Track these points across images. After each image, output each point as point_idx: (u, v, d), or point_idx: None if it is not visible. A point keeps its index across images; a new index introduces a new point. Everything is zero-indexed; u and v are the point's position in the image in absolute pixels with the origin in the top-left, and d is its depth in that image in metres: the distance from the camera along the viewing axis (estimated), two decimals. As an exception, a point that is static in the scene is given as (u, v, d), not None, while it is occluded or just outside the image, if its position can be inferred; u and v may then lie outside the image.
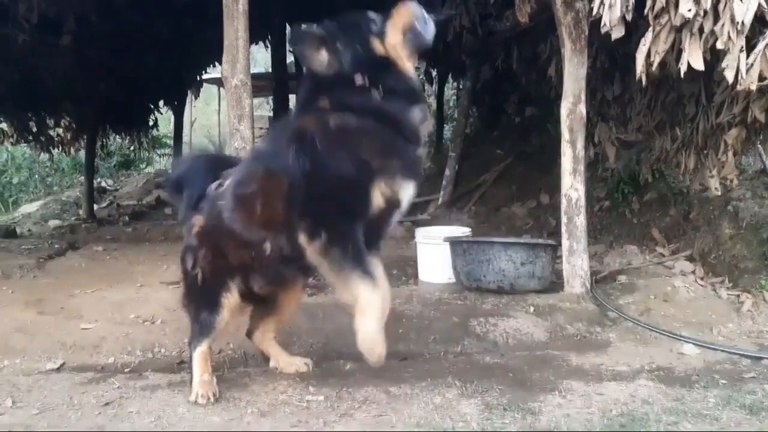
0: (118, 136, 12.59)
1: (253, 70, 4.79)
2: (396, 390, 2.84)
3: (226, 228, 2.68)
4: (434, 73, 12.63)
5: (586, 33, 4.34)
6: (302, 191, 2.44)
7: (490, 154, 9.53)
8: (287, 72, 11.59)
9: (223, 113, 14.13)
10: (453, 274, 4.81)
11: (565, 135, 4.40)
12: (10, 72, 7.77)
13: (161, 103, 11.99)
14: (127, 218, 10.32)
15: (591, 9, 3.77)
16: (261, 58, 16.30)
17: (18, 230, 9.24)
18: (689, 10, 3.31)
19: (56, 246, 7.00)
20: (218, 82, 12.52)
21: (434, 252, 4.84)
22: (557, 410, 2.63)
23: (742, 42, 3.31)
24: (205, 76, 12.98)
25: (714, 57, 3.55)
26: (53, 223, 10.23)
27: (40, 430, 2.48)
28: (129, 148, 14.01)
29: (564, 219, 4.46)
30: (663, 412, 2.60)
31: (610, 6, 3.54)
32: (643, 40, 3.60)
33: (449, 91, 13.72)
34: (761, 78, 3.39)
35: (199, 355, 2.82)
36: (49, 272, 5.47)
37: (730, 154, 4.61)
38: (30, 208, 11.81)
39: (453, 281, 4.83)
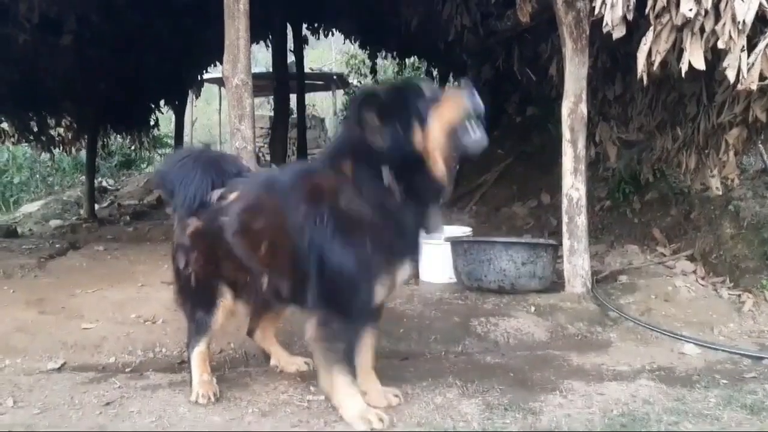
0: (119, 135, 12.63)
1: (254, 69, 4.78)
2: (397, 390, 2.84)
3: (225, 244, 2.68)
4: (435, 73, 12.66)
5: (588, 32, 4.34)
6: (307, 263, 2.45)
7: (491, 153, 9.51)
8: (288, 72, 11.60)
9: (224, 113, 14.14)
10: (454, 274, 4.81)
11: (566, 134, 4.40)
12: (11, 72, 7.78)
13: (162, 102, 12.02)
14: (128, 218, 10.34)
15: (592, 8, 3.76)
16: (262, 58, 16.31)
17: (19, 230, 9.26)
18: (690, 10, 3.31)
19: (57, 246, 7.00)
20: (219, 82, 12.55)
21: (435, 252, 4.84)
22: (558, 410, 2.63)
23: (743, 41, 3.31)
24: (206, 76, 13.01)
25: (715, 56, 3.54)
26: (54, 222, 10.24)
27: (42, 430, 2.48)
28: (130, 147, 14.06)
29: (565, 219, 4.46)
30: (664, 412, 2.60)
31: (612, 5, 3.54)
32: (644, 39, 3.60)
33: (450, 90, 13.71)
34: (762, 77, 3.39)
35: (197, 355, 2.83)
36: (50, 272, 5.47)
37: (731, 153, 4.60)
38: (31, 207, 11.83)
39: (454, 281, 4.83)
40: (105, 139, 12.30)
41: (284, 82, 11.20)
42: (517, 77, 7.73)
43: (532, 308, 4.16)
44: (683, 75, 3.56)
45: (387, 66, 15.87)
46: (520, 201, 8.18)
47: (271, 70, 12.16)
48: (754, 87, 3.43)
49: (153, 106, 11.84)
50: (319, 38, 12.12)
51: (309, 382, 2.91)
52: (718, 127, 4.63)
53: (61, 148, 10.93)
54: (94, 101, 9.73)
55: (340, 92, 18.60)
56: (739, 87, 3.46)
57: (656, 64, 3.59)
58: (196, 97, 14.68)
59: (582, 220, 4.40)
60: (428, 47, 9.62)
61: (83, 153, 11.61)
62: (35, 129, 9.99)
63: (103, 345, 3.55)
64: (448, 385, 2.93)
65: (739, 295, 4.42)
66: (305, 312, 2.59)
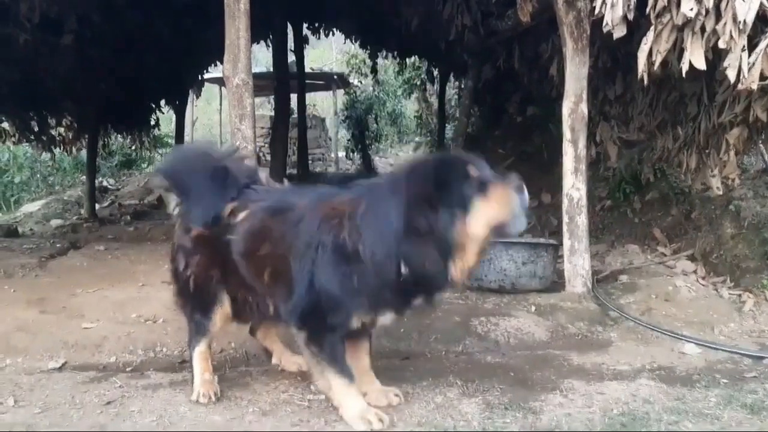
0: (119, 135, 12.63)
1: (255, 69, 4.79)
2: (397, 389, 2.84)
3: (231, 260, 2.66)
4: (436, 72, 12.65)
5: (588, 32, 4.34)
6: (301, 284, 2.44)
7: (492, 153, 9.51)
8: (288, 71, 11.59)
9: (225, 112, 14.11)
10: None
11: (567, 134, 4.40)
12: (12, 72, 7.77)
13: (162, 102, 12.02)
14: (128, 217, 10.33)
15: (593, 8, 3.77)
16: (262, 58, 16.32)
17: (20, 229, 9.26)
18: (691, 9, 3.31)
19: (58, 245, 7.01)
20: (220, 82, 12.55)
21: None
22: (558, 409, 2.63)
23: (744, 41, 3.31)
24: (206, 76, 13.02)
25: (716, 56, 3.55)
26: (55, 222, 10.24)
27: (42, 430, 2.48)
28: (130, 147, 14.06)
29: (565, 218, 4.46)
30: (664, 411, 2.60)
31: (612, 5, 3.54)
32: (644, 39, 3.60)
33: (451, 90, 13.73)
34: (763, 77, 3.39)
35: (198, 355, 2.83)
36: (51, 271, 5.48)
37: (732, 153, 4.60)
38: (32, 207, 11.82)
39: (454, 281, 4.82)
40: (105, 139, 12.31)
41: (285, 82, 11.19)
42: (518, 77, 7.73)
43: (533, 308, 4.16)
44: (684, 75, 3.56)
45: (387, 66, 15.88)
46: (521, 201, 8.16)
47: (271, 69, 12.16)
48: (754, 87, 3.43)
49: (153, 105, 11.84)
50: (319, 38, 12.13)
51: (309, 382, 2.91)
52: (719, 126, 4.64)
53: (62, 147, 10.93)
54: (94, 101, 9.73)
55: (340, 92, 18.60)
56: (740, 87, 3.46)
57: (657, 64, 3.60)
58: (197, 97, 14.69)
59: (582, 220, 4.40)
60: (429, 47, 9.62)
61: (84, 153, 11.61)
62: (36, 129, 9.99)
63: (104, 344, 3.56)
64: (448, 384, 2.93)
65: (740, 295, 4.43)
66: (294, 325, 2.58)
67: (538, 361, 3.37)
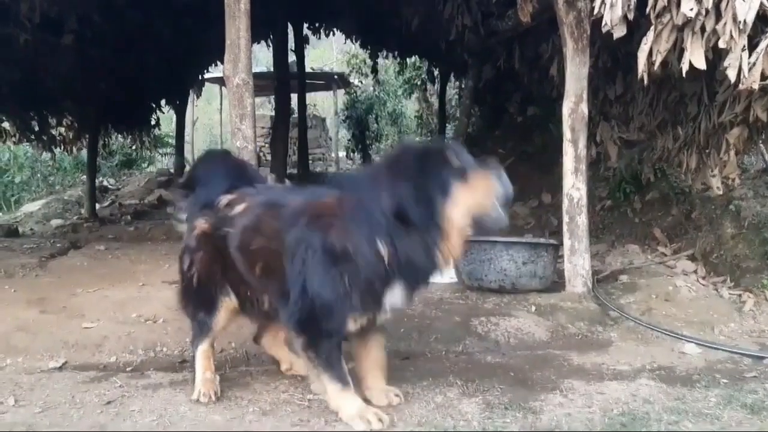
0: (120, 135, 12.63)
1: (255, 69, 4.79)
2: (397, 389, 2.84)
3: (229, 254, 2.68)
4: (436, 72, 12.66)
5: (588, 32, 4.34)
6: (294, 287, 2.44)
7: (492, 153, 9.52)
8: (289, 71, 11.60)
9: (225, 112, 14.14)
10: (455, 274, 4.81)
11: (567, 134, 4.40)
12: (12, 71, 7.78)
13: (163, 102, 12.02)
14: (129, 217, 10.33)
15: (593, 8, 3.76)
16: (263, 57, 16.34)
17: (20, 229, 9.27)
18: (691, 9, 3.31)
19: (58, 245, 7.01)
20: (220, 81, 12.55)
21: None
22: (558, 409, 2.63)
23: (744, 41, 3.31)
24: (207, 76, 13.02)
25: (716, 56, 3.54)
26: (55, 222, 10.24)
27: (43, 429, 2.49)
28: (131, 147, 14.07)
29: (566, 218, 4.46)
30: (664, 411, 2.60)
31: (612, 5, 3.54)
32: (644, 39, 3.60)
33: (451, 90, 13.74)
34: (763, 77, 3.39)
35: (201, 354, 2.84)
36: (51, 271, 5.48)
37: (732, 153, 4.60)
38: (32, 207, 11.83)
39: (455, 281, 4.83)
40: (106, 139, 12.31)
41: (285, 82, 11.20)
42: (519, 77, 7.74)
43: (533, 308, 4.16)
44: (684, 75, 3.56)
45: (388, 65, 15.88)
46: (521, 201, 8.17)
47: (272, 69, 12.17)
48: (755, 86, 3.43)
49: (154, 105, 11.85)
50: (320, 38, 12.13)
51: (310, 382, 2.91)
52: (719, 126, 4.64)
53: (62, 147, 10.93)
54: (95, 101, 9.73)
55: (341, 92, 18.61)
56: (740, 87, 3.46)
57: (657, 64, 3.59)
58: (197, 97, 14.69)
59: (583, 220, 4.40)
60: (429, 47, 9.63)
61: (84, 152, 11.61)
62: (36, 128, 10.00)
63: (104, 344, 3.56)
64: (448, 384, 2.93)
65: (740, 295, 4.43)
66: (291, 329, 2.58)
67: (538, 361, 3.37)
